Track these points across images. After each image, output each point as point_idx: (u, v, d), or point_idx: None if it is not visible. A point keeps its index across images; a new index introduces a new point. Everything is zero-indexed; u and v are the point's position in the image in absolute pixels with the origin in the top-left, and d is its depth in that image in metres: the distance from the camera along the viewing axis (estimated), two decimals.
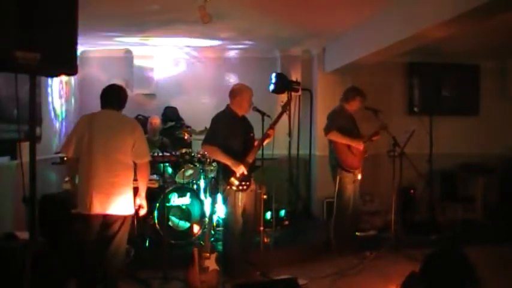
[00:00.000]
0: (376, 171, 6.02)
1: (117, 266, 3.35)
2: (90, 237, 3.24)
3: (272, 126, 4.04)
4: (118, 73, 6.43)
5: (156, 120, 5.63)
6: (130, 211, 3.34)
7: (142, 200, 3.45)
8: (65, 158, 3.29)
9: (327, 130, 4.74)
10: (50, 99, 5.42)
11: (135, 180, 3.43)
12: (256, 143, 4.08)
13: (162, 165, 5.10)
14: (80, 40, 2.28)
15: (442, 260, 2.96)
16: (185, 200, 4.80)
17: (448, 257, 2.99)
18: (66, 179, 3.50)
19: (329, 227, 4.88)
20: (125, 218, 3.30)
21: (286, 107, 4.30)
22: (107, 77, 6.34)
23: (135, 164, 3.39)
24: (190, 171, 5.22)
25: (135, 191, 3.43)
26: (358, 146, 4.71)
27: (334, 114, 4.81)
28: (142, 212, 3.51)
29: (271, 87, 5.86)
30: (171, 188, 4.75)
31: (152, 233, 4.61)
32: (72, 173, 3.32)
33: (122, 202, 3.25)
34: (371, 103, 4.90)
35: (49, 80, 5.30)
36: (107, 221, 3.25)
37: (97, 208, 3.17)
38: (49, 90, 5.40)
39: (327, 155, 5.07)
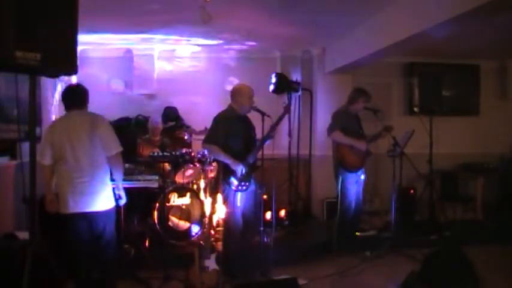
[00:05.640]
0: (376, 171, 6.02)
1: (110, 263, 3.38)
2: (82, 236, 3.26)
3: (274, 127, 4.03)
4: (118, 73, 6.44)
5: (157, 121, 5.64)
6: (109, 206, 3.37)
7: (120, 191, 3.47)
8: (43, 166, 3.29)
9: (330, 130, 4.75)
10: (53, 99, 5.46)
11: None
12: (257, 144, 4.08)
13: (162, 165, 5.09)
14: (80, 40, 2.28)
15: (442, 260, 2.96)
16: (185, 200, 4.80)
17: (448, 257, 2.99)
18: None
19: (332, 227, 4.88)
20: (106, 213, 3.33)
21: (288, 109, 4.31)
22: (107, 77, 6.35)
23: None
24: (190, 171, 5.22)
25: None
26: (361, 146, 4.71)
27: (338, 115, 4.82)
28: (122, 202, 3.52)
29: (271, 87, 5.86)
30: (171, 188, 4.75)
31: (152, 233, 4.61)
32: (49, 178, 3.33)
33: (98, 199, 3.28)
34: (371, 103, 4.90)
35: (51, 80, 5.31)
36: (89, 219, 3.28)
37: (73, 207, 3.22)
38: (53, 90, 5.45)
39: (327, 155, 5.08)
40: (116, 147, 3.37)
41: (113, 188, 3.44)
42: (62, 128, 3.30)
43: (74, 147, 3.24)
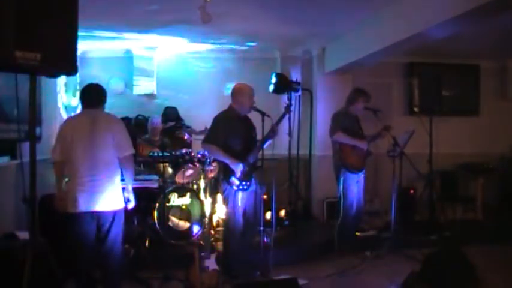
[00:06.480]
0: (376, 171, 6.02)
1: (115, 264, 3.36)
2: (87, 235, 3.25)
3: (275, 127, 4.03)
4: (118, 73, 6.44)
5: (157, 121, 5.64)
6: (118, 206, 3.35)
7: (129, 194, 3.46)
8: (53, 162, 3.30)
9: (333, 131, 4.74)
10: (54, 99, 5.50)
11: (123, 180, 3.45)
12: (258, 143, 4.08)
13: (162, 165, 5.10)
14: (80, 40, 2.28)
15: (442, 260, 2.96)
16: (185, 200, 4.80)
17: (448, 257, 2.99)
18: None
19: (333, 227, 4.88)
20: (114, 214, 3.31)
21: (289, 109, 4.32)
22: (107, 77, 6.35)
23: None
24: (190, 171, 5.22)
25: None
26: (363, 146, 4.72)
27: (338, 116, 4.82)
28: (130, 205, 3.51)
29: (271, 87, 5.86)
30: (171, 188, 4.75)
31: (152, 233, 4.61)
32: (59, 176, 3.31)
33: (108, 198, 3.27)
34: (371, 103, 4.90)
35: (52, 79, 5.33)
36: (97, 218, 3.27)
37: (82, 206, 3.20)
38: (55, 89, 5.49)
39: (327, 155, 5.07)
40: (129, 149, 3.38)
41: (122, 189, 3.42)
42: (76, 126, 3.30)
43: (86, 146, 3.23)
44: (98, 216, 3.26)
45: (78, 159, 3.22)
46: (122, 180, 3.42)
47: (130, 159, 3.41)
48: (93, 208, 3.22)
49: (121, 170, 3.39)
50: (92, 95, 3.41)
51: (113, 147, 3.29)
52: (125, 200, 3.43)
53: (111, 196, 3.29)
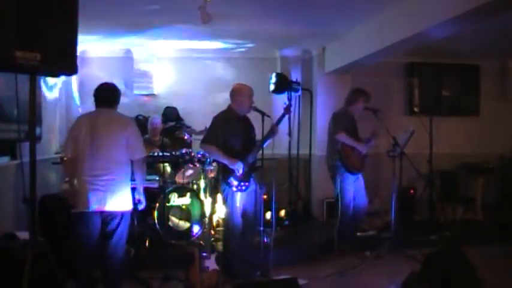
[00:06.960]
0: (376, 171, 6.02)
1: (117, 264, 3.36)
2: (92, 235, 3.26)
3: (274, 127, 4.03)
4: (118, 73, 6.43)
5: (157, 121, 5.64)
6: (127, 207, 3.37)
7: (140, 196, 3.48)
8: (64, 159, 3.33)
9: (335, 131, 4.73)
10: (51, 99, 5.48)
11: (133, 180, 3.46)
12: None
13: (162, 165, 5.10)
14: (80, 40, 2.28)
15: (442, 260, 2.96)
16: (185, 200, 4.80)
17: (448, 257, 3.00)
18: (66, 179, 3.52)
19: (332, 227, 4.88)
20: (122, 214, 3.32)
21: (289, 109, 4.33)
22: (107, 77, 6.34)
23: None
24: (190, 171, 5.22)
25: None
26: (361, 149, 4.73)
27: (339, 116, 4.82)
28: (141, 207, 3.54)
29: (271, 87, 5.86)
30: (171, 188, 4.75)
31: (152, 233, 4.61)
32: (71, 173, 3.33)
33: (119, 198, 3.28)
34: (371, 103, 4.90)
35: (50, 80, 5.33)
36: (105, 217, 3.28)
37: (94, 205, 3.21)
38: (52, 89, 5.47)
39: None
40: (141, 152, 3.39)
41: (132, 190, 3.44)
42: (89, 124, 3.29)
43: (98, 145, 3.23)
44: (106, 215, 3.27)
45: (90, 158, 3.22)
46: (132, 180, 3.43)
47: (142, 162, 3.44)
48: (103, 207, 3.23)
49: (132, 171, 3.40)
50: (107, 95, 3.41)
51: (125, 149, 3.30)
52: (135, 202, 3.44)
53: (121, 196, 3.30)
